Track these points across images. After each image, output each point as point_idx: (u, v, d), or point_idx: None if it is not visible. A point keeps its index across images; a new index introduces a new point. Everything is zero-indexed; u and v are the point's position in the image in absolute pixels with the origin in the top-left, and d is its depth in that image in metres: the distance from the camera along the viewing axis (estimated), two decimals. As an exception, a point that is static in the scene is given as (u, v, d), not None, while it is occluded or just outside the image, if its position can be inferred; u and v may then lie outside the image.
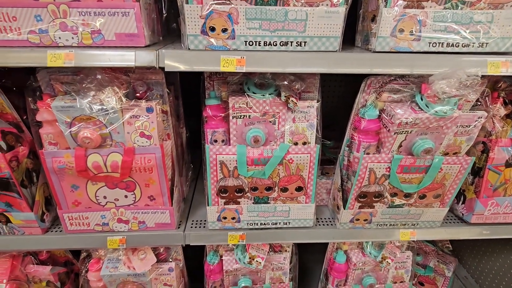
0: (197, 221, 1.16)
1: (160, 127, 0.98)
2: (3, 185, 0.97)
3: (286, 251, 1.28)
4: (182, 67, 0.76)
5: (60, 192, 1.00)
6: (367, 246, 1.26)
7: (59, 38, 0.76)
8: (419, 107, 0.90)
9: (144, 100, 0.94)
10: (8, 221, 1.05)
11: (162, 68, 0.75)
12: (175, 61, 0.75)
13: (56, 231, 1.10)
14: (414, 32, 0.80)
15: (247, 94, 0.92)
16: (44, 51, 0.73)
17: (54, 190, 0.99)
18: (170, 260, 1.24)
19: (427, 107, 0.88)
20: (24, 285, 1.24)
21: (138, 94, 0.96)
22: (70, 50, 0.73)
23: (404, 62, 0.80)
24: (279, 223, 1.09)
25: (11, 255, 1.16)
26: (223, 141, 0.99)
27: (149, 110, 0.92)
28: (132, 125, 0.93)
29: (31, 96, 0.91)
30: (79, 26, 0.74)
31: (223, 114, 0.95)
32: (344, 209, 1.06)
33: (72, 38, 0.76)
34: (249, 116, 0.95)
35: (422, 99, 0.89)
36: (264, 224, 1.09)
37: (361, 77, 0.93)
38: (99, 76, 0.84)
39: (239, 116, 0.94)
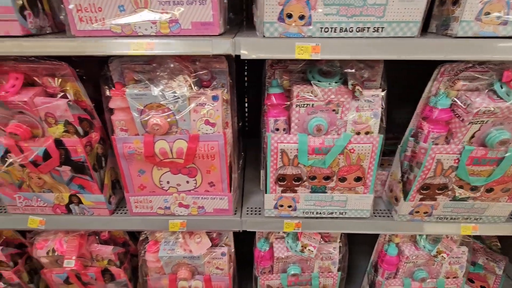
0: (251, 208, 1.17)
1: (222, 115, 1.00)
2: (79, 168, 1.03)
3: (335, 241, 1.28)
4: (256, 55, 0.76)
5: (128, 176, 1.05)
6: (421, 239, 1.22)
7: (139, 27, 0.79)
8: (498, 96, 0.85)
9: (209, 89, 0.97)
10: (80, 202, 1.12)
11: (238, 56, 0.76)
12: (250, 49, 0.74)
13: (121, 213, 1.16)
14: (501, 15, 0.75)
15: (313, 83, 0.92)
16: (128, 40, 0.76)
17: (123, 174, 1.04)
18: (223, 245, 1.28)
19: (508, 95, 0.83)
20: (88, 263, 1.35)
21: (204, 83, 0.98)
22: (151, 39, 0.75)
23: (488, 48, 0.76)
24: (335, 212, 1.08)
25: (79, 234, 1.25)
26: (284, 129, 1.00)
27: (215, 98, 0.94)
28: (198, 113, 0.95)
29: (105, 84, 0.96)
30: (158, 15, 0.76)
31: (288, 103, 0.93)
32: (405, 200, 1.04)
33: (151, 27, 0.78)
34: (312, 104, 0.93)
35: (502, 87, 0.84)
36: (320, 213, 1.09)
37: (423, 65, 0.86)
38: (171, 65, 0.87)
39: (302, 105, 0.94)
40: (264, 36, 0.77)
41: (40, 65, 0.89)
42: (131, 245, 1.42)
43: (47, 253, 1.25)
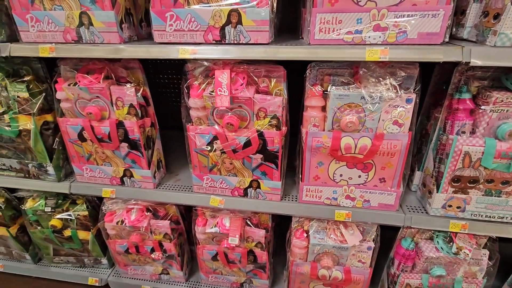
0: (410, 206, 1.20)
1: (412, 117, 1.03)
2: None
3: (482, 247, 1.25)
4: (484, 63, 0.81)
5: (308, 167, 1.16)
6: (438, 241, 1.18)
7: (368, 37, 0.89)
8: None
9: (402, 91, 1.04)
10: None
11: (467, 63, 0.82)
12: (480, 57, 0.80)
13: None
14: None
15: (513, 90, 0.94)
16: (363, 48, 0.86)
17: (304, 165, 1.11)
18: (368, 240, 1.33)
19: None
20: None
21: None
22: (385, 46, 0.85)
23: None
24: (507, 217, 1.08)
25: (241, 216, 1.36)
26: (470, 132, 1.03)
27: (409, 101, 1.00)
28: (389, 114, 1.02)
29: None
30: (390, 27, 0.86)
31: (485, 107, 0.96)
32: (437, 192, 1.04)
33: (380, 37, 0.88)
34: (506, 110, 0.97)
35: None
36: (490, 216, 1.07)
37: None
38: (381, 70, 0.96)
39: (497, 110, 0.97)
40: (494, 46, 0.83)
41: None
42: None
43: (211, 230, 1.40)
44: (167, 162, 1.47)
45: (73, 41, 1.03)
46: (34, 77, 1.25)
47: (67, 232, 1.56)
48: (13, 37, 1.13)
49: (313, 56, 0.89)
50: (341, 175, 1.12)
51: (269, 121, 1.05)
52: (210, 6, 0.91)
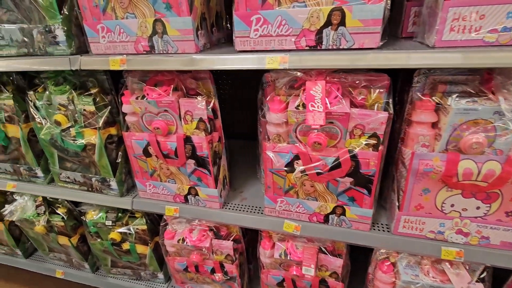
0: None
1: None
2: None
3: None
4: None
5: (409, 194, 0.96)
6: None
7: (523, 35, 0.69)
8: None
9: None
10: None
11: None
12: None
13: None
14: None
15: None
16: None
17: (405, 191, 0.91)
18: (477, 281, 1.10)
19: None
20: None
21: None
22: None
23: None
24: None
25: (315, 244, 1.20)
26: None
27: None
28: (529, 132, 0.81)
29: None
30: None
31: None
32: None
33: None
34: None
35: None
36: None
37: None
38: None
39: None
40: None
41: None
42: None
43: (280, 255, 1.27)
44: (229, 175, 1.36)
45: (144, 52, 0.94)
46: (99, 89, 1.20)
47: (126, 246, 1.52)
48: (82, 49, 1.08)
49: (445, 63, 0.69)
50: (452, 205, 0.91)
51: (366, 140, 0.87)
52: (306, 6, 0.76)
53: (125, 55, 0.93)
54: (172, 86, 1.03)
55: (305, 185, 1.01)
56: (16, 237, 1.82)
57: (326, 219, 1.05)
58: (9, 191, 1.56)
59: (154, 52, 0.93)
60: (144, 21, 0.88)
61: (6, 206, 1.59)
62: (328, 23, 0.74)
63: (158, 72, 1.03)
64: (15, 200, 1.59)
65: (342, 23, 0.73)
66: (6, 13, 1.03)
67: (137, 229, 1.47)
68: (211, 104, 1.03)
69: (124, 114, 1.15)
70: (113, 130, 1.24)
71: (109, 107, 1.17)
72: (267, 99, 0.94)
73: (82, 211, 1.52)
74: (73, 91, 1.14)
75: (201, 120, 1.05)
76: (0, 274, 2.04)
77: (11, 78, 1.30)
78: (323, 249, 1.19)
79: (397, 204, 0.97)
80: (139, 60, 0.92)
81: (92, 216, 1.52)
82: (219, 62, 0.85)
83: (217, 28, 1.08)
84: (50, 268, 1.80)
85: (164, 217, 1.38)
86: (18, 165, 1.43)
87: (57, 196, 1.43)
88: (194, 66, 0.86)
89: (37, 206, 1.54)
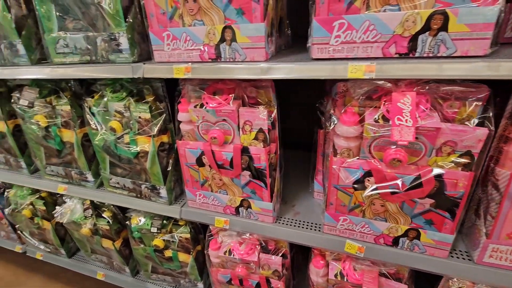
0: None
1: None
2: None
3: None
4: None
5: (502, 220, 0.85)
6: None
7: None
8: None
9: None
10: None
11: None
12: None
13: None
14: None
15: None
16: None
17: (498, 216, 0.80)
18: None
19: None
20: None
21: None
22: None
23: None
24: None
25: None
26: None
27: None
28: None
29: None
30: None
31: None
32: None
33: None
34: None
35: None
36: None
37: None
38: None
39: None
40: None
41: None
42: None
43: (335, 276, 1.18)
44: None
45: (210, 60, 0.90)
46: (154, 97, 1.19)
47: (168, 253, 1.50)
48: (143, 57, 1.07)
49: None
50: (556, 237, 0.79)
51: (456, 159, 0.77)
52: (400, 10, 0.68)
53: (190, 63, 0.90)
54: (232, 95, 0.99)
55: (374, 204, 0.93)
56: (61, 237, 1.86)
57: (395, 242, 0.95)
58: (59, 194, 1.59)
59: (220, 60, 0.89)
60: (213, 28, 0.84)
61: (57, 208, 1.63)
62: (426, 28, 0.66)
63: (219, 80, 0.99)
64: (64, 202, 1.62)
65: (444, 27, 0.65)
66: (72, 22, 1.04)
67: (181, 237, 1.44)
68: (273, 114, 0.98)
69: (179, 122, 1.13)
70: (165, 138, 1.22)
71: (164, 115, 1.15)
72: (338, 110, 0.87)
73: (127, 216, 1.52)
74: (130, 98, 1.13)
75: (260, 130, 0.99)
76: (44, 272, 2.11)
77: (69, 84, 1.32)
78: (385, 272, 1.10)
79: (484, 230, 0.85)
80: (205, 69, 0.88)
81: (136, 221, 1.51)
82: (294, 71, 0.79)
83: (279, 34, 1.02)
84: (91, 269, 1.83)
85: (210, 227, 1.34)
86: (70, 169, 1.46)
87: (106, 201, 1.43)
88: (266, 75, 0.81)
89: (84, 209, 1.57)
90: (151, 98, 1.17)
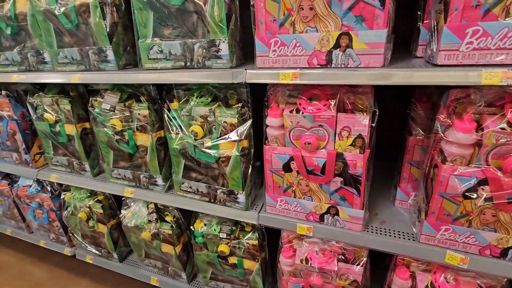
0: None
1: None
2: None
3: None
4: None
5: None
6: None
7: None
8: None
9: None
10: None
11: None
12: None
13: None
14: None
15: None
16: None
17: None
18: None
19: None
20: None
21: None
22: None
23: None
24: None
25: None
26: None
27: None
28: None
29: None
30: None
31: None
32: None
33: None
34: None
35: None
36: None
37: None
38: None
39: None
40: None
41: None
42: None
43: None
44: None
45: (318, 66, 0.91)
46: (238, 102, 1.20)
47: (233, 259, 1.48)
48: (239, 63, 1.08)
49: None
50: None
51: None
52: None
53: (298, 69, 0.91)
54: (331, 100, 0.99)
55: (484, 214, 0.90)
56: (114, 241, 1.87)
57: (504, 254, 0.92)
58: (124, 197, 1.60)
59: (330, 66, 0.89)
60: (327, 34, 0.85)
61: (122, 211, 1.64)
62: None
63: (327, 85, 0.99)
64: (128, 205, 1.64)
65: None
66: (169, 28, 1.07)
67: (248, 243, 1.43)
68: (374, 120, 0.97)
69: (260, 128, 1.13)
70: (245, 143, 1.23)
71: (250, 120, 1.16)
72: (454, 117, 0.86)
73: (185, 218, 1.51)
74: (220, 103, 1.15)
75: (359, 136, 0.98)
76: (91, 275, 2.11)
77: (147, 89, 1.35)
78: (481, 285, 1.06)
79: None
80: (314, 74, 0.89)
81: (201, 226, 1.51)
82: (415, 77, 0.78)
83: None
84: (144, 274, 1.81)
85: (284, 234, 1.33)
86: (139, 172, 1.47)
87: (174, 205, 1.43)
88: (385, 80, 0.81)
89: (149, 213, 1.57)
90: (235, 103, 1.19)
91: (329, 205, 1.11)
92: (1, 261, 2.27)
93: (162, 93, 1.32)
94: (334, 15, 0.83)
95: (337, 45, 0.86)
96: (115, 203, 1.83)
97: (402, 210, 1.22)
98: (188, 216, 1.56)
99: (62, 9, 1.16)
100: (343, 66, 0.88)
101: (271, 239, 1.45)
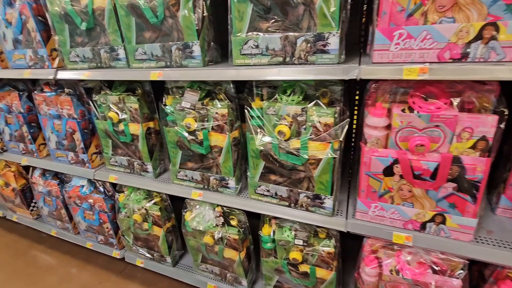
0: None
1: None
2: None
3: None
4: None
5: None
6: None
7: None
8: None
9: None
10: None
11: None
12: None
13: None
14: None
15: None
16: None
17: None
18: None
19: None
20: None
21: None
22: None
23: None
24: None
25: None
26: None
27: None
28: None
29: None
30: None
31: None
32: None
33: None
34: None
35: None
36: None
37: None
38: None
39: None
40: None
41: None
42: None
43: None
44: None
45: (450, 60, 0.83)
46: (331, 101, 1.13)
47: (304, 268, 1.40)
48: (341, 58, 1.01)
49: None
50: None
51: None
52: None
53: (427, 64, 0.83)
54: (453, 99, 0.91)
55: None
56: (168, 244, 1.81)
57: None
58: (193, 199, 1.54)
59: (466, 60, 0.81)
60: (468, 25, 0.77)
61: (191, 214, 1.57)
62: None
63: (461, 81, 0.90)
64: (195, 208, 1.57)
65: None
66: (269, 22, 1.01)
67: (323, 251, 1.34)
68: (503, 121, 0.89)
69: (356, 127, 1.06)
70: (336, 144, 1.15)
71: (348, 119, 1.09)
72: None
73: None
74: (317, 101, 1.07)
75: (483, 138, 0.90)
76: (139, 279, 2.05)
77: (225, 88, 1.29)
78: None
79: None
80: (448, 70, 0.81)
81: (268, 232, 1.43)
82: None
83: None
84: (201, 280, 1.74)
85: (368, 242, 1.24)
86: (209, 174, 1.41)
87: (248, 209, 1.36)
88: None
89: (216, 217, 1.51)
90: (326, 102, 1.11)
91: (435, 212, 1.02)
92: (47, 263, 2.23)
93: (243, 92, 1.26)
94: (479, 3, 0.75)
95: (478, 37, 0.78)
96: (171, 205, 1.77)
97: (506, 219, 1.13)
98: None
99: (151, 2, 1.11)
100: (482, 60, 0.79)
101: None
